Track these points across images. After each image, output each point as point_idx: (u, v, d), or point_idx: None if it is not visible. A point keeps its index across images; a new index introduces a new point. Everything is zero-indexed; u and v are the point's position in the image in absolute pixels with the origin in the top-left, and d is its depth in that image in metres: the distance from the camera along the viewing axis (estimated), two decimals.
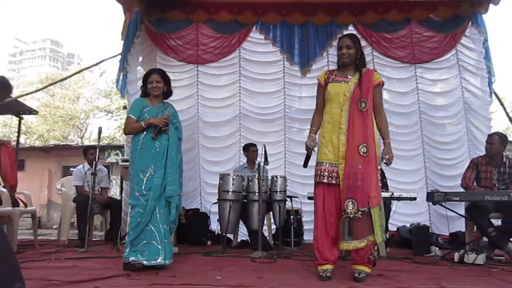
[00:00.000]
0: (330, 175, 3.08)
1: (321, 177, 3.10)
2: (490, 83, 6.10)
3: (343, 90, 3.14)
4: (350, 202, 2.96)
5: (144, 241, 3.36)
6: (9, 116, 17.73)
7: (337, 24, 6.33)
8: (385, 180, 5.18)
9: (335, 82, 3.21)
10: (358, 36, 6.15)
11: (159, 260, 3.33)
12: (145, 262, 3.30)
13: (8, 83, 2.89)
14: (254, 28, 6.50)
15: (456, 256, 3.93)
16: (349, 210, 2.96)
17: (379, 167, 3.14)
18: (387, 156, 3.14)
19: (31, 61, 75.09)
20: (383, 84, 3.28)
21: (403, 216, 5.77)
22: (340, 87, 3.16)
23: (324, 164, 3.12)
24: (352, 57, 3.20)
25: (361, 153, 3.01)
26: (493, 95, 6.20)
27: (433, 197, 4.08)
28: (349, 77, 3.20)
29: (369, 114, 3.10)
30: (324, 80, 3.29)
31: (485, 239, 4.43)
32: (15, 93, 10.97)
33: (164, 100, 3.82)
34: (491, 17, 6.25)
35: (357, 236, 2.99)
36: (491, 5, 5.97)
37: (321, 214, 3.10)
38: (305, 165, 3.33)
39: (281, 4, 6.39)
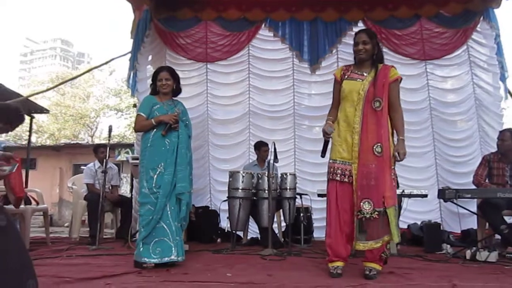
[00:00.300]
0: (343, 173, 3.07)
1: (334, 174, 3.10)
2: (503, 79, 6.01)
3: (358, 89, 3.10)
4: (366, 202, 2.95)
5: (156, 239, 3.38)
6: None
7: (347, 20, 6.29)
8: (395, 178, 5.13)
9: (350, 79, 3.18)
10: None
11: (172, 257, 3.36)
12: (157, 261, 3.32)
13: (19, 113, 2.84)
14: (263, 26, 6.49)
15: (468, 253, 3.90)
16: (365, 210, 2.95)
17: (393, 167, 3.10)
18: (399, 152, 3.09)
19: (41, 60, 75.76)
20: (401, 80, 3.22)
21: (414, 213, 5.73)
22: (354, 85, 3.12)
23: (338, 162, 3.12)
24: (369, 52, 3.15)
25: (376, 153, 2.99)
26: (507, 92, 6.10)
27: (444, 194, 4.05)
28: (365, 74, 3.16)
29: (383, 113, 3.06)
30: (340, 76, 3.26)
31: (497, 236, 4.39)
32: (26, 93, 11.08)
33: (174, 98, 3.83)
34: (503, 11, 6.12)
35: (373, 236, 2.97)
36: (503, 0, 5.88)
37: (335, 211, 3.08)
38: (323, 154, 3.26)
39: (290, 1, 6.36)
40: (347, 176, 3.06)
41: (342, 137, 3.13)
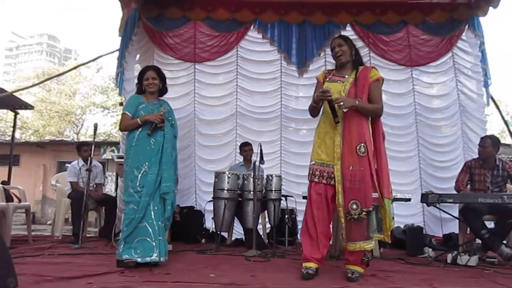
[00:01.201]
0: (321, 174, 3.09)
1: (313, 176, 3.13)
2: (486, 86, 6.13)
3: (339, 90, 3.13)
4: (354, 204, 2.98)
5: (138, 238, 3.36)
6: (5, 110, 17.66)
7: (335, 23, 6.34)
8: None
9: (331, 81, 3.21)
10: (355, 36, 6.28)
11: (153, 257, 3.34)
12: (139, 260, 3.31)
13: None
14: (252, 27, 6.50)
15: (449, 257, 3.95)
16: (353, 211, 2.98)
17: (375, 167, 3.13)
18: (344, 100, 3.00)
19: (27, 55, 74.65)
20: (382, 80, 3.26)
21: (397, 217, 5.74)
22: (335, 86, 3.14)
23: (317, 164, 3.14)
24: (346, 54, 3.20)
25: (359, 153, 3.01)
26: (490, 98, 6.21)
27: (427, 198, 4.10)
28: (346, 76, 3.20)
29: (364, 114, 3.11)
30: (322, 79, 3.30)
31: (478, 241, 4.45)
32: (11, 88, 10.92)
33: (160, 98, 3.82)
34: (489, 19, 6.22)
35: (362, 237, 3.00)
36: (490, 8, 5.97)
37: (311, 212, 3.10)
38: (337, 118, 3.05)
39: (279, 3, 6.38)
40: (325, 178, 3.08)
41: (322, 139, 3.16)
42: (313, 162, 3.17)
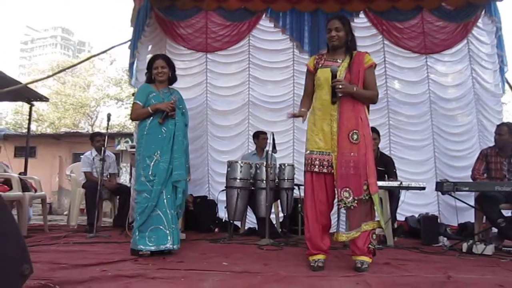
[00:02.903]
0: (321, 163, 2.99)
1: (312, 166, 3.01)
2: (502, 73, 6.00)
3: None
4: (345, 191, 2.91)
5: (152, 227, 3.38)
6: (20, 103, 17.91)
7: (348, 11, 6.22)
8: (394, 170, 5.14)
9: (324, 67, 3.09)
10: (369, 24, 6.18)
11: (168, 245, 3.37)
12: (153, 248, 3.33)
13: None
14: (263, 16, 6.46)
15: (465, 246, 3.90)
16: (345, 199, 2.91)
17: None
18: (344, 83, 2.95)
19: (42, 49, 75.43)
20: (375, 66, 3.15)
21: (412, 206, 5.74)
22: (329, 72, 3.01)
23: (315, 153, 3.03)
24: (342, 39, 3.07)
25: (352, 140, 2.93)
26: (506, 85, 6.09)
27: (442, 187, 4.03)
28: (339, 61, 3.08)
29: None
30: (313, 65, 3.18)
31: (494, 229, 4.39)
32: (26, 80, 11.05)
33: (170, 86, 3.82)
34: (505, 4, 6.05)
35: (353, 226, 2.94)
36: None
37: (311, 202, 3.02)
38: (335, 98, 2.98)
39: None
40: (325, 167, 2.98)
41: (318, 127, 3.05)
42: (309, 151, 3.06)
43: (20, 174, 6.53)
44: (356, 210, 2.92)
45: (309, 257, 3.05)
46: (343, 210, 3.02)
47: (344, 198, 2.92)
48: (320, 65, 3.14)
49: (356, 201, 2.90)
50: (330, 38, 3.09)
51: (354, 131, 2.95)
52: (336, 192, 2.99)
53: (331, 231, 3.18)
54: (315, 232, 3.01)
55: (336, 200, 3.02)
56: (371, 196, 2.93)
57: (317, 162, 3.00)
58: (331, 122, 3.00)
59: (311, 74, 3.20)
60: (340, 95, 2.98)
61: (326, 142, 3.01)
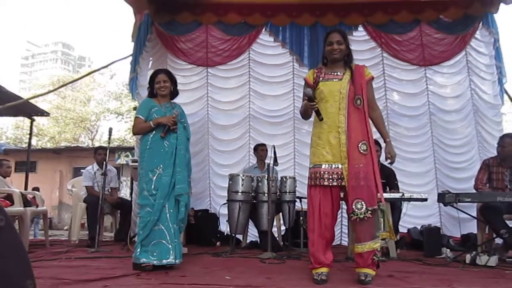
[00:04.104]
0: (331, 177, 2.96)
1: (321, 180, 2.97)
2: (501, 84, 6.04)
3: (338, 88, 3.03)
4: (359, 203, 2.89)
5: (155, 241, 3.37)
6: (21, 118, 17.95)
7: (346, 25, 6.28)
8: (396, 182, 5.15)
9: (326, 80, 3.10)
10: (367, 37, 6.25)
11: (169, 259, 3.35)
12: (155, 262, 3.32)
13: None
14: (263, 30, 6.51)
15: (468, 258, 3.89)
16: (358, 211, 2.89)
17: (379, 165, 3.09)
18: (390, 155, 3.08)
19: (43, 64, 75.88)
20: (373, 78, 3.21)
21: (414, 218, 5.73)
22: (333, 85, 3.05)
23: (323, 165, 3.00)
24: (343, 52, 3.10)
25: (361, 151, 2.94)
26: (505, 96, 6.12)
27: (444, 198, 4.03)
28: (340, 74, 3.10)
29: (365, 111, 3.05)
30: (313, 79, 3.17)
31: (497, 241, 4.38)
32: (26, 95, 11.10)
33: (171, 101, 3.84)
34: (503, 16, 6.13)
35: (367, 237, 2.93)
36: (501, 5, 5.91)
37: (317, 217, 2.98)
38: (320, 116, 3.01)
39: (290, 6, 6.37)
40: (335, 180, 2.95)
41: (324, 140, 3.02)
42: (316, 165, 3.03)
43: (34, 189, 6.56)
44: (370, 221, 2.91)
45: (312, 270, 3.02)
46: (344, 222, 3.02)
47: (357, 210, 2.89)
48: (320, 78, 3.14)
49: (369, 212, 2.89)
50: (331, 51, 3.10)
51: (363, 141, 2.97)
52: (346, 204, 2.97)
53: (334, 243, 3.17)
54: (318, 247, 2.99)
55: (339, 212, 3.02)
56: (381, 207, 2.94)
57: (326, 176, 2.97)
58: (338, 135, 2.98)
59: (308, 87, 3.20)
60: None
61: (334, 154, 2.98)
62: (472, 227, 5.10)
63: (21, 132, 22.89)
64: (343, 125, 2.98)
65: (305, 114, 3.20)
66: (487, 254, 3.83)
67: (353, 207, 2.90)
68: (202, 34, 6.51)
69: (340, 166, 2.96)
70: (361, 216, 2.89)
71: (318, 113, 3.00)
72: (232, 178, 4.95)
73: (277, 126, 6.62)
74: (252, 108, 6.61)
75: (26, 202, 4.82)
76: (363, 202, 2.89)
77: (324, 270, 2.97)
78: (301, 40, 6.46)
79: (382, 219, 2.98)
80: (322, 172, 2.99)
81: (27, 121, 12.73)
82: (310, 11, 6.36)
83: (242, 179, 4.88)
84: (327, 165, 2.99)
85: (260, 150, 5.64)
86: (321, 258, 2.98)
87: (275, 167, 4.78)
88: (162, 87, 3.69)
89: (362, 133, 2.99)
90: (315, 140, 3.10)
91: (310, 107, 2.98)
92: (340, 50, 3.09)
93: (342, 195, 3.06)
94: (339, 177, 2.96)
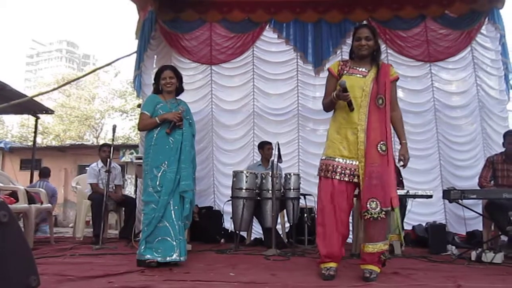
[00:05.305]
0: (343, 171, 2.93)
1: (333, 173, 2.93)
2: (507, 80, 5.99)
3: (360, 84, 2.99)
4: (373, 202, 2.86)
5: (159, 238, 3.36)
6: (26, 116, 18.02)
7: (351, 21, 6.25)
8: (401, 179, 5.12)
9: (350, 74, 3.05)
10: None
11: (174, 257, 3.34)
12: (159, 259, 3.31)
13: None
14: (267, 27, 6.49)
15: (474, 255, 3.86)
16: (372, 210, 2.86)
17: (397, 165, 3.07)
18: (403, 157, 3.05)
19: (47, 62, 76.10)
20: (398, 79, 3.20)
21: (418, 215, 5.70)
22: (356, 80, 3.00)
23: (338, 159, 2.96)
24: (370, 49, 3.05)
25: (381, 151, 2.91)
26: (511, 92, 6.06)
27: (450, 194, 4.00)
28: (365, 70, 3.05)
29: (386, 111, 3.00)
30: (337, 70, 3.12)
31: (503, 237, 4.35)
32: (31, 93, 11.14)
33: (177, 97, 3.83)
34: (509, 11, 6.07)
35: (379, 237, 2.90)
36: (507, 0, 5.85)
37: (331, 210, 2.93)
38: (352, 106, 2.95)
39: (294, 2, 6.36)
40: (347, 175, 2.93)
41: (342, 135, 2.99)
42: (330, 157, 2.99)
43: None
44: (383, 221, 2.89)
45: (320, 264, 3.00)
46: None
47: (371, 209, 2.87)
48: (345, 71, 3.08)
49: (383, 212, 2.87)
50: (359, 46, 3.05)
51: (382, 142, 2.94)
52: (358, 202, 2.94)
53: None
54: (333, 241, 2.93)
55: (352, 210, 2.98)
56: (393, 209, 2.92)
57: (339, 170, 2.94)
58: (357, 132, 2.95)
59: (334, 79, 3.13)
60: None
61: (350, 151, 2.95)
62: (477, 225, 5.08)
63: (27, 130, 22.96)
64: (362, 123, 2.94)
65: (329, 106, 3.14)
66: (493, 251, 3.81)
67: (368, 206, 2.87)
68: (206, 32, 6.50)
69: (354, 162, 2.94)
70: (375, 216, 2.87)
71: (350, 104, 2.94)
72: (236, 175, 4.94)
73: (281, 124, 6.61)
74: (256, 106, 6.59)
75: (31, 199, 4.83)
76: (378, 202, 2.86)
77: (333, 265, 2.95)
78: (305, 36, 6.44)
79: (395, 221, 2.97)
80: (335, 166, 2.96)
81: (32, 119, 12.78)
82: (313, 7, 6.35)
83: (246, 176, 4.88)
84: (341, 160, 2.96)
85: (266, 149, 5.61)
86: (333, 252, 2.94)
87: (279, 164, 4.77)
88: (168, 83, 3.68)
89: (382, 133, 2.95)
90: (332, 133, 3.06)
91: (344, 97, 2.91)
92: (368, 46, 3.04)
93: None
94: (352, 173, 2.93)
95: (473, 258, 3.84)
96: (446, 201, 4.74)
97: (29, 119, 20.78)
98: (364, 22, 6.22)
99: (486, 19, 6.09)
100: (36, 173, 9.59)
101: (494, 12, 6.00)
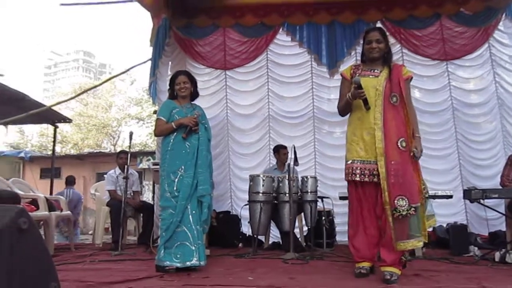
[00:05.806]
0: (363, 172, 2.96)
1: (353, 175, 3.00)
2: None
3: (374, 85, 3.03)
4: (401, 199, 2.84)
5: (178, 243, 3.37)
6: (46, 126, 18.34)
7: (365, 22, 6.20)
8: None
9: (363, 76, 3.09)
10: (387, 33, 6.16)
11: (193, 261, 3.34)
12: (179, 265, 3.32)
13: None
14: (280, 30, 6.49)
15: (497, 255, 3.77)
16: (400, 208, 2.82)
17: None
18: (416, 149, 3.00)
19: (65, 72, 77.50)
20: (411, 78, 3.19)
21: (439, 216, 5.56)
22: (369, 81, 3.04)
23: (356, 161, 3.01)
24: (382, 51, 3.11)
25: (401, 147, 2.92)
26: None
27: (471, 194, 3.93)
28: (377, 71, 3.10)
29: (401, 108, 3.02)
30: (350, 74, 3.19)
31: None
32: (49, 103, 11.33)
33: (192, 102, 3.85)
34: None
35: (405, 236, 2.86)
36: None
37: (358, 213, 3.03)
38: (368, 105, 2.98)
39: (307, 5, 6.34)
40: (367, 176, 2.95)
41: (358, 136, 3.03)
42: (352, 161, 3.04)
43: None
44: (413, 218, 2.86)
45: (355, 264, 3.09)
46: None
47: (399, 207, 2.83)
48: (357, 74, 3.13)
49: (413, 209, 2.84)
50: (370, 49, 3.11)
51: (402, 138, 2.95)
52: (387, 202, 2.87)
53: None
54: (363, 242, 3.02)
55: (388, 210, 2.90)
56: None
57: (358, 171, 2.99)
58: (373, 131, 2.96)
59: (347, 82, 3.20)
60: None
61: (367, 151, 2.99)
62: (500, 225, 4.97)
63: (46, 140, 23.37)
64: (379, 122, 2.96)
65: (345, 109, 3.19)
66: None
67: (396, 204, 2.84)
68: (220, 37, 6.53)
69: (373, 162, 2.95)
70: (404, 213, 2.83)
71: (365, 102, 2.97)
72: (253, 179, 4.93)
73: (297, 127, 6.58)
74: (271, 109, 6.58)
75: (51, 207, 4.89)
76: (406, 199, 2.84)
77: (365, 264, 3.02)
78: (318, 39, 6.42)
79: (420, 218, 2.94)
80: (354, 168, 3.01)
81: (51, 128, 12.96)
82: (326, 9, 6.32)
83: (263, 180, 4.86)
84: (359, 161, 3.01)
85: (282, 153, 5.60)
86: (363, 252, 3.03)
87: (295, 167, 4.75)
88: (182, 88, 3.70)
89: (399, 130, 2.96)
90: (350, 136, 3.12)
91: (359, 95, 2.96)
92: (379, 48, 3.09)
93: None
94: (371, 173, 2.95)
95: (496, 259, 3.76)
96: (467, 201, 4.66)
97: (48, 129, 21.14)
98: (378, 22, 6.21)
99: (504, 15, 5.99)
100: (56, 181, 9.74)
101: (511, 8, 5.89)
